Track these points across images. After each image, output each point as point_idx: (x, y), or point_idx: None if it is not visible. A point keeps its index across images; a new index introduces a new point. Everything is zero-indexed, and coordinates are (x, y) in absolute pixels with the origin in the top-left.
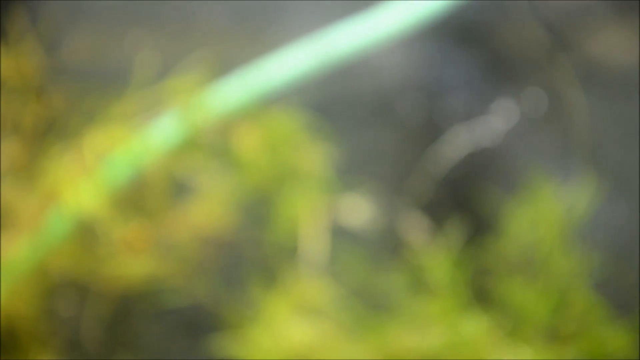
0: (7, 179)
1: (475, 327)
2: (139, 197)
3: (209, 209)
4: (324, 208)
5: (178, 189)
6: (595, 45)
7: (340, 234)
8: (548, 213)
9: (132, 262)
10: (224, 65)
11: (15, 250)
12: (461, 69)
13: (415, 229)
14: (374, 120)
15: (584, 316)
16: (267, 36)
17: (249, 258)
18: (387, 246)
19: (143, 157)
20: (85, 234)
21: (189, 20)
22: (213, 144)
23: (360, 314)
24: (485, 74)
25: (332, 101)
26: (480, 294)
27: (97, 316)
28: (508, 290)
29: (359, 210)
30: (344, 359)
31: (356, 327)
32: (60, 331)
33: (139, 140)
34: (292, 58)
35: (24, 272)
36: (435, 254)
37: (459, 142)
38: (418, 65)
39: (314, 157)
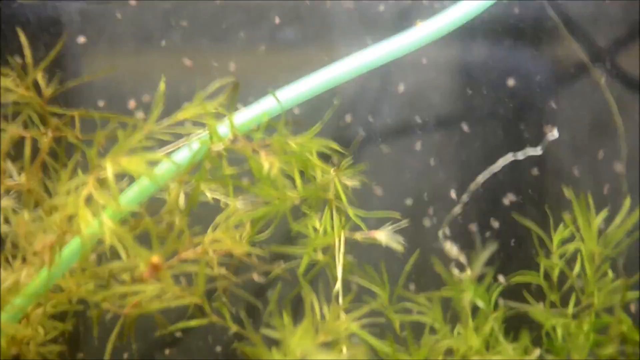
0: (22, 207)
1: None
2: (158, 222)
3: (230, 234)
4: (348, 234)
5: (198, 215)
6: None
7: (367, 260)
8: (589, 232)
9: (150, 288)
10: (245, 91)
11: (31, 278)
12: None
13: (448, 254)
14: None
15: (623, 342)
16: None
17: (271, 283)
18: (417, 272)
19: (163, 183)
20: (102, 260)
21: (212, 44)
22: (234, 168)
23: (388, 342)
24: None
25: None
26: (516, 320)
27: (114, 341)
28: (544, 317)
29: (387, 237)
30: None
31: (383, 356)
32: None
33: (159, 166)
34: (310, 86)
35: (39, 299)
36: (469, 280)
37: (497, 161)
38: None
39: (337, 182)
